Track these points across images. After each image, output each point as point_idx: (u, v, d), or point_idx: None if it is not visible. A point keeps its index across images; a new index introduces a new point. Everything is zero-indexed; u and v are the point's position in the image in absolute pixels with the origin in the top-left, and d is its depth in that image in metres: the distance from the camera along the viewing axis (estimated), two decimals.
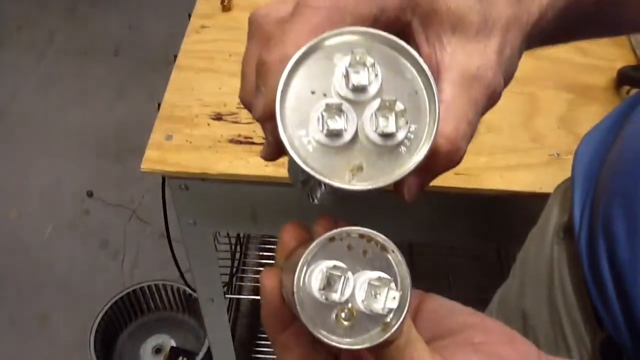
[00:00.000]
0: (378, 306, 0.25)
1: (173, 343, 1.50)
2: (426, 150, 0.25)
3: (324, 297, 0.25)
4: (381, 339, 0.25)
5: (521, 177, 0.85)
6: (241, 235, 1.47)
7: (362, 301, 0.25)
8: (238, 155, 0.87)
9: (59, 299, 1.65)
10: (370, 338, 0.25)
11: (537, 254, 0.58)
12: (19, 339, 1.59)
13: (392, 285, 0.25)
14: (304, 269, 0.25)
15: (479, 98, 0.29)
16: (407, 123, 0.25)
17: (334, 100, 0.25)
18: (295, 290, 0.25)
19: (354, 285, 0.25)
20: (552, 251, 0.54)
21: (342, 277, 0.25)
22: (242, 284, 1.42)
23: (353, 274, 0.25)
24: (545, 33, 0.33)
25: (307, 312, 0.25)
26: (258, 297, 1.38)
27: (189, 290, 1.46)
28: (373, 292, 0.25)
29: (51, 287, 1.68)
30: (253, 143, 0.88)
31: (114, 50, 2.42)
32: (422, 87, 0.26)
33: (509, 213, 0.93)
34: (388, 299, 0.25)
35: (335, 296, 0.25)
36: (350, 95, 0.25)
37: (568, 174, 0.61)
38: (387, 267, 0.26)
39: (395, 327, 0.25)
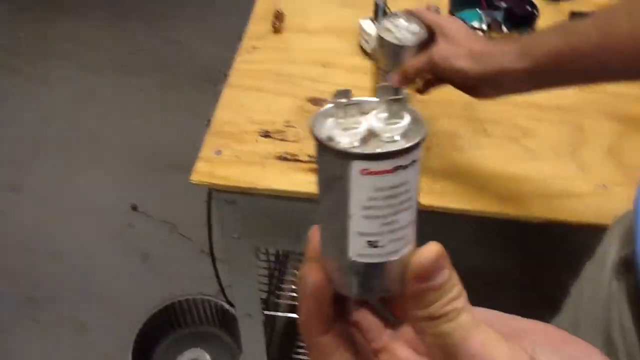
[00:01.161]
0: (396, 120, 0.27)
1: (208, 358, 1.52)
2: None
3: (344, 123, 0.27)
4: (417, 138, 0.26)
5: (566, 207, 0.84)
6: (280, 252, 1.49)
7: (379, 120, 0.27)
8: (284, 172, 0.89)
9: (98, 308, 1.69)
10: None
11: (593, 290, 0.56)
12: (58, 347, 1.63)
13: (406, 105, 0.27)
14: (319, 138, 0.26)
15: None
16: None
17: None
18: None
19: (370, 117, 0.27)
20: (610, 287, 0.53)
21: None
22: (279, 301, 1.43)
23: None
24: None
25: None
26: (295, 315, 1.39)
27: (226, 306, 1.48)
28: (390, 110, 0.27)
29: (91, 297, 1.72)
30: (299, 160, 0.90)
31: (162, 68, 2.49)
32: None
33: (553, 242, 0.92)
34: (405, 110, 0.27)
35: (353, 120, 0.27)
36: None
37: (615, 206, 0.61)
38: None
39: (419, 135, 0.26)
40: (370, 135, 0.27)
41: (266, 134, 0.94)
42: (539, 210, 0.84)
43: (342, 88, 0.28)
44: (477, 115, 0.98)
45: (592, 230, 0.80)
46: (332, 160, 0.26)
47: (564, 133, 0.95)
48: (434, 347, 0.26)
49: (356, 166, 0.25)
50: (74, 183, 2.03)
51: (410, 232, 0.27)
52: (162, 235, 1.86)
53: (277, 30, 1.14)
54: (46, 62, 2.49)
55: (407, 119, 0.27)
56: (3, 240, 1.85)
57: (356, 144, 0.26)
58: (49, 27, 2.67)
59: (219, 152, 0.91)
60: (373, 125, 0.27)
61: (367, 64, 1.08)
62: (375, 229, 0.26)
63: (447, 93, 0.91)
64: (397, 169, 0.25)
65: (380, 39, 0.81)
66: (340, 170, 0.25)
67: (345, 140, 0.26)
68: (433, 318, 0.26)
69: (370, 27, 1.08)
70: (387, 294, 0.29)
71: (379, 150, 0.25)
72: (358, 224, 0.26)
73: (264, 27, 1.15)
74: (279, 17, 1.15)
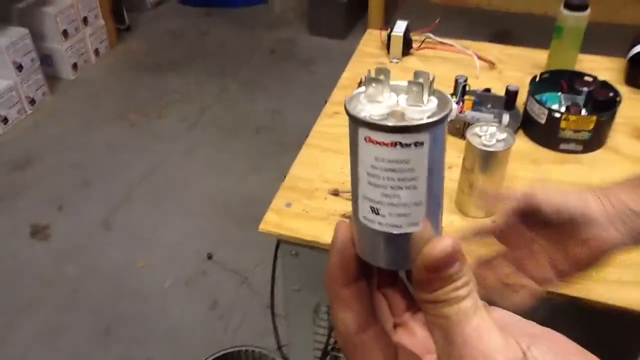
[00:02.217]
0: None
1: None
2: None
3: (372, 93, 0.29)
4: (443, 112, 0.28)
5: (634, 295, 0.81)
6: None
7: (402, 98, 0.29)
8: None
9: (164, 347, 1.75)
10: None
11: None
12: None
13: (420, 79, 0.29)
14: (348, 103, 0.29)
15: None
16: None
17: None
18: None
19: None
20: None
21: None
22: None
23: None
24: None
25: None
26: None
27: None
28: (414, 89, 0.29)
29: (160, 335, 1.79)
30: None
31: (256, 130, 2.64)
32: None
33: (618, 332, 0.88)
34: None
35: (380, 93, 0.29)
36: None
37: None
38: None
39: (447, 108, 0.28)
40: (397, 112, 0.28)
41: (335, 193, 0.98)
42: (602, 296, 0.81)
43: (382, 66, 0.30)
44: None
45: None
46: (350, 125, 0.29)
47: None
48: (432, 325, 0.28)
49: (362, 133, 0.27)
50: (161, 228, 2.15)
51: (417, 213, 0.28)
52: (232, 285, 1.92)
53: None
54: (159, 120, 2.72)
55: (434, 103, 0.29)
56: (91, 275, 1.98)
57: (375, 116, 0.28)
58: (167, 87, 2.93)
59: (289, 205, 0.96)
60: (399, 103, 0.29)
61: None
62: (376, 197, 0.28)
63: (521, 169, 0.92)
64: (396, 144, 0.27)
65: (469, 144, 0.88)
66: (353, 134, 0.28)
67: (370, 111, 0.28)
68: (435, 302, 0.27)
69: None
70: (395, 268, 0.31)
71: (377, 122, 0.27)
72: (364, 187, 0.29)
73: (348, 94, 1.21)
74: (362, 85, 1.21)
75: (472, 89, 1.15)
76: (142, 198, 2.29)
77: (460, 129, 1.08)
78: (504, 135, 0.88)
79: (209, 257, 2.03)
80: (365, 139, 0.27)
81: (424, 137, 0.27)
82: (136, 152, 2.52)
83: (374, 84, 0.29)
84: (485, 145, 0.87)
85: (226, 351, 1.55)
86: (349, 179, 1.08)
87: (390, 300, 0.34)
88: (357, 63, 1.32)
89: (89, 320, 1.83)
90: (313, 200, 0.97)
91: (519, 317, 0.31)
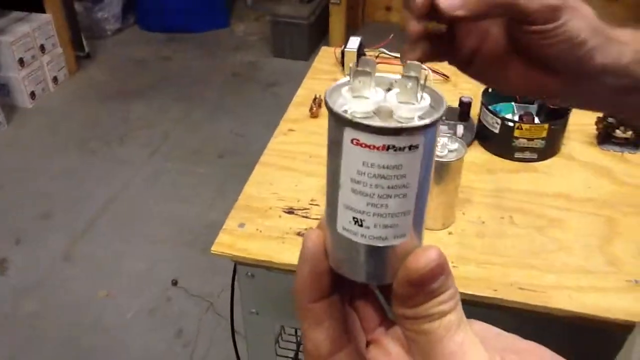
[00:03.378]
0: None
1: None
2: None
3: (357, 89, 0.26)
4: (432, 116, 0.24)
5: (593, 300, 0.80)
6: None
7: (392, 95, 0.26)
8: None
9: None
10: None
11: None
12: None
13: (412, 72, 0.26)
14: (328, 98, 0.26)
15: None
16: None
17: None
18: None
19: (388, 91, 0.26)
20: None
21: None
22: None
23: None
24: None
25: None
26: None
27: None
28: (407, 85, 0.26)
29: None
30: None
31: (220, 154, 2.61)
32: None
33: (580, 339, 0.87)
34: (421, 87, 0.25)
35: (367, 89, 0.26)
36: None
37: None
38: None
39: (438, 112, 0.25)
40: (385, 110, 0.25)
41: (290, 210, 0.96)
42: (562, 303, 0.80)
43: (368, 58, 0.27)
44: (505, 203, 0.97)
45: (620, 327, 0.76)
46: (331, 123, 0.25)
47: (595, 225, 0.92)
48: (411, 341, 0.26)
49: (348, 133, 0.24)
50: (124, 257, 2.09)
51: (405, 224, 0.26)
52: (197, 312, 1.87)
53: (314, 114, 1.19)
54: (121, 147, 2.67)
55: (426, 101, 0.26)
56: (50, 310, 1.90)
57: (361, 114, 0.25)
58: (130, 115, 2.88)
59: (242, 225, 0.93)
60: (387, 100, 0.26)
61: None
62: (361, 206, 0.25)
63: (477, 180, 0.91)
64: (388, 148, 0.24)
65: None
66: (337, 133, 0.25)
67: (354, 107, 0.25)
68: (417, 318, 0.25)
69: None
70: (375, 282, 0.28)
71: (368, 122, 0.23)
72: (346, 195, 0.25)
73: (302, 111, 1.20)
74: (317, 102, 1.20)
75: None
76: (104, 227, 2.23)
77: None
78: (455, 146, 0.87)
79: (174, 283, 1.98)
80: (352, 141, 0.24)
81: (419, 139, 0.24)
82: (97, 181, 2.46)
83: (360, 77, 0.26)
84: (437, 156, 0.85)
85: None
86: (304, 196, 1.02)
87: (362, 315, 0.31)
88: (312, 80, 1.31)
89: (48, 358, 1.76)
90: (267, 219, 0.95)
91: (500, 330, 0.29)
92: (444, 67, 1.29)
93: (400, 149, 0.23)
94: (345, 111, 0.24)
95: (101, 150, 2.65)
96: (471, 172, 1.02)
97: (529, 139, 1.04)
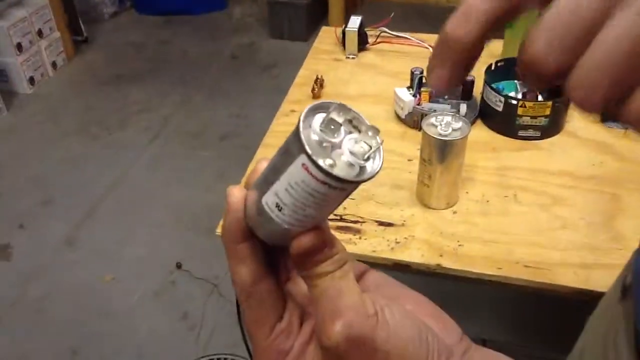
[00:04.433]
0: (360, 150, 0.30)
1: None
2: None
3: (323, 135, 0.29)
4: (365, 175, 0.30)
5: (598, 277, 0.81)
6: None
7: (348, 145, 0.30)
8: None
9: None
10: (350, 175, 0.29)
11: (599, 316, 0.55)
12: None
13: (371, 134, 0.30)
14: (302, 121, 0.29)
15: None
16: None
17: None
18: (301, 128, 0.29)
19: (342, 136, 0.30)
20: (614, 311, 0.52)
21: (336, 125, 0.30)
22: None
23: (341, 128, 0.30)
24: None
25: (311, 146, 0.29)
26: None
27: None
28: (356, 139, 0.30)
29: (130, 352, 1.74)
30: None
31: (221, 137, 2.60)
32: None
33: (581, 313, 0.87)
34: (368, 141, 0.30)
35: (331, 136, 0.30)
36: None
37: None
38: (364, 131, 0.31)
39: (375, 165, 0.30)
40: (337, 154, 0.30)
41: None
42: (567, 280, 0.80)
43: (354, 112, 0.31)
44: (508, 181, 0.97)
45: None
46: (294, 140, 0.29)
47: (599, 202, 0.92)
48: (308, 287, 0.33)
49: (302, 159, 0.29)
50: (127, 242, 2.10)
51: (312, 223, 0.32)
52: (202, 294, 1.89)
53: (315, 95, 1.18)
54: (121, 131, 2.66)
55: (370, 160, 0.30)
56: (55, 294, 1.92)
57: (318, 148, 0.29)
58: (128, 99, 2.87)
59: None
60: (343, 144, 0.30)
61: (400, 129, 1.10)
62: (287, 201, 0.30)
63: (480, 159, 0.91)
64: (324, 183, 0.29)
65: (426, 135, 0.86)
66: (294, 150, 0.29)
67: (317, 137, 0.29)
68: (308, 276, 0.32)
69: (405, 95, 1.10)
70: (272, 245, 0.34)
71: (319, 162, 0.28)
72: (279, 188, 0.31)
73: (304, 92, 1.20)
74: (318, 82, 1.19)
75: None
76: (107, 212, 2.24)
77: (417, 121, 1.06)
78: (459, 124, 0.87)
79: (178, 266, 1.99)
80: (302, 164, 0.29)
81: (350, 187, 0.30)
82: (98, 166, 2.46)
83: (332, 126, 0.30)
84: (441, 135, 0.85)
85: None
86: None
87: (286, 256, 0.38)
88: (313, 60, 1.30)
89: (55, 342, 1.77)
90: None
91: (392, 279, 0.37)
92: None
93: (332, 187, 0.29)
94: (307, 140, 0.29)
95: (102, 135, 2.65)
96: (474, 150, 1.01)
97: (532, 117, 1.03)
